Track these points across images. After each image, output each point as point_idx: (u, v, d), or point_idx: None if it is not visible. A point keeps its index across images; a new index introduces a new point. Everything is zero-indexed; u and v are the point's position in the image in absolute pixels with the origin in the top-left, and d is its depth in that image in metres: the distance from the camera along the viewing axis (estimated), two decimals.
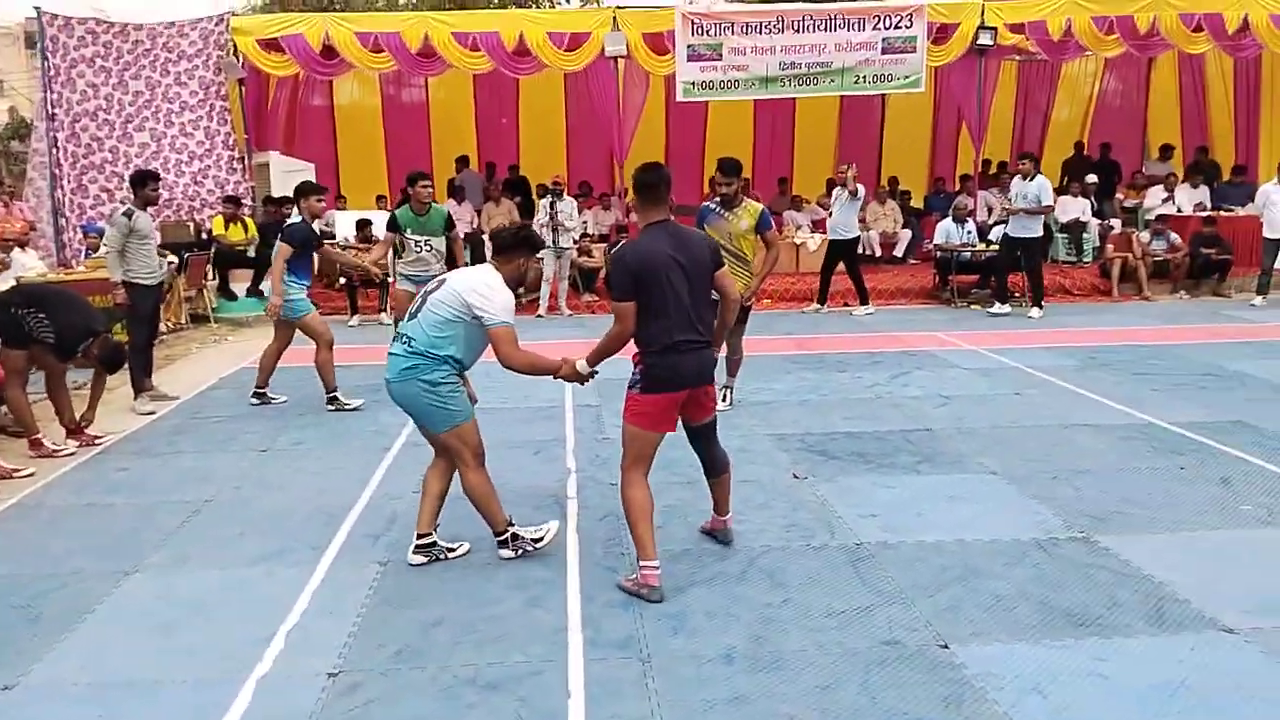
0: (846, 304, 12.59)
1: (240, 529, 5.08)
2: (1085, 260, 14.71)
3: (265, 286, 7.89)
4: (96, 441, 6.81)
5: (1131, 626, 3.82)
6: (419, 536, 4.60)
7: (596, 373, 4.46)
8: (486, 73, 14.21)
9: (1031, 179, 11.83)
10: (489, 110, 17.24)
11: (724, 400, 7.06)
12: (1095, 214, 15.06)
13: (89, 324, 6.57)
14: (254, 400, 7.81)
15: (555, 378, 4.48)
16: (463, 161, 16.20)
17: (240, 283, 12.89)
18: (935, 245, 13.33)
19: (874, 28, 13.65)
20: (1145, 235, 13.80)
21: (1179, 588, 4.15)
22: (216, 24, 13.59)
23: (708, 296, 4.31)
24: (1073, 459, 6.05)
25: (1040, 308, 12.05)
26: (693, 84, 13.72)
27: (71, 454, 6.54)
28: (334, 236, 13.41)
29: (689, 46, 13.53)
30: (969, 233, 13.11)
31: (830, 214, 12.33)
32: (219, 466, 6.19)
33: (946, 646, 3.68)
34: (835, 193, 12.42)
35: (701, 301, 4.25)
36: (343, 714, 3.29)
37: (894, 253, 15.61)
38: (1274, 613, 3.90)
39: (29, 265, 10.34)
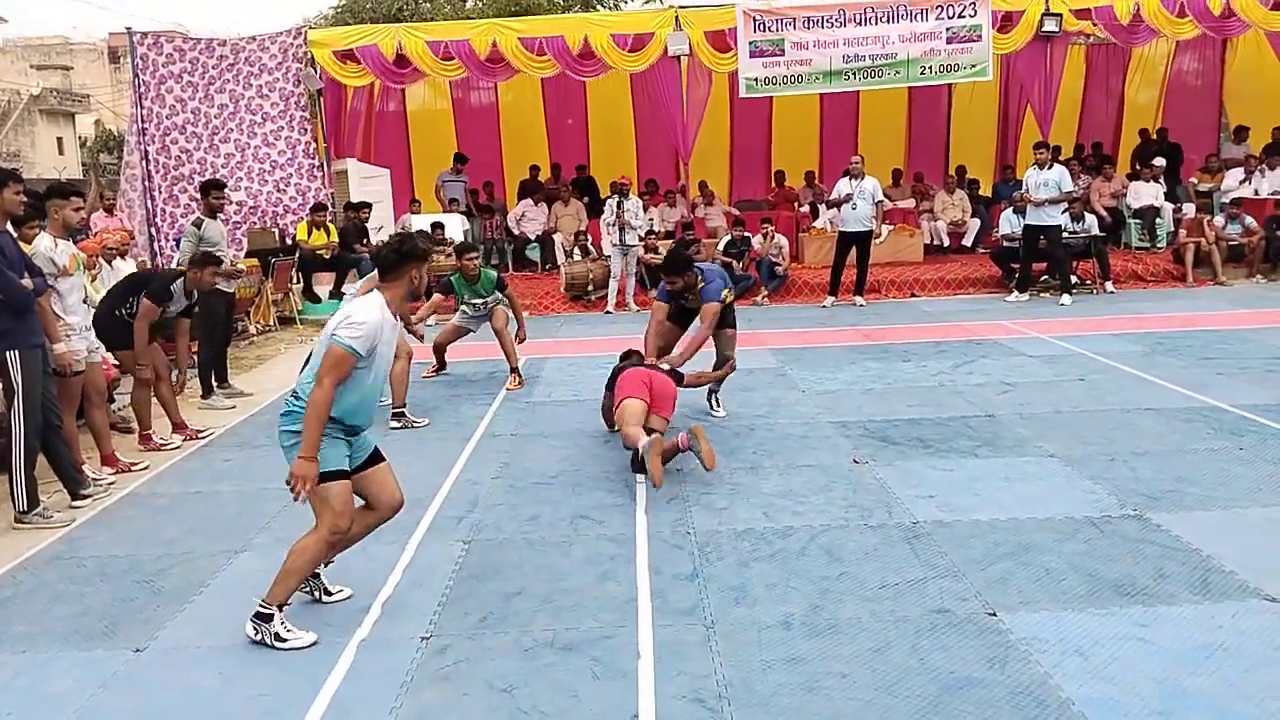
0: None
1: None
2: (1159, 246, 14.55)
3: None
4: (200, 435, 7.31)
5: (1176, 595, 3.99)
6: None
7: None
8: (553, 76, 14.60)
9: (1050, 167, 11.89)
10: (557, 111, 17.65)
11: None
12: (1168, 198, 14.88)
13: (169, 276, 7.18)
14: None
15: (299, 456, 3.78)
16: (459, 159, 16.32)
17: (323, 285, 13.45)
18: (1003, 236, 13.34)
19: (937, 18, 13.70)
20: (1220, 219, 13.61)
21: (1226, 560, 4.29)
22: (294, 37, 14.18)
23: None
24: (1132, 441, 6.16)
25: (1070, 294, 12.07)
26: (755, 80, 13.93)
27: (177, 448, 7.04)
28: None
29: (751, 43, 13.75)
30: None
31: (854, 206, 12.17)
32: None
33: (995, 614, 3.89)
34: (852, 185, 12.25)
35: None
36: (434, 672, 3.63)
37: (963, 242, 15.64)
38: None
39: (125, 272, 10.97)
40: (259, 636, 3.90)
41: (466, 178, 16.12)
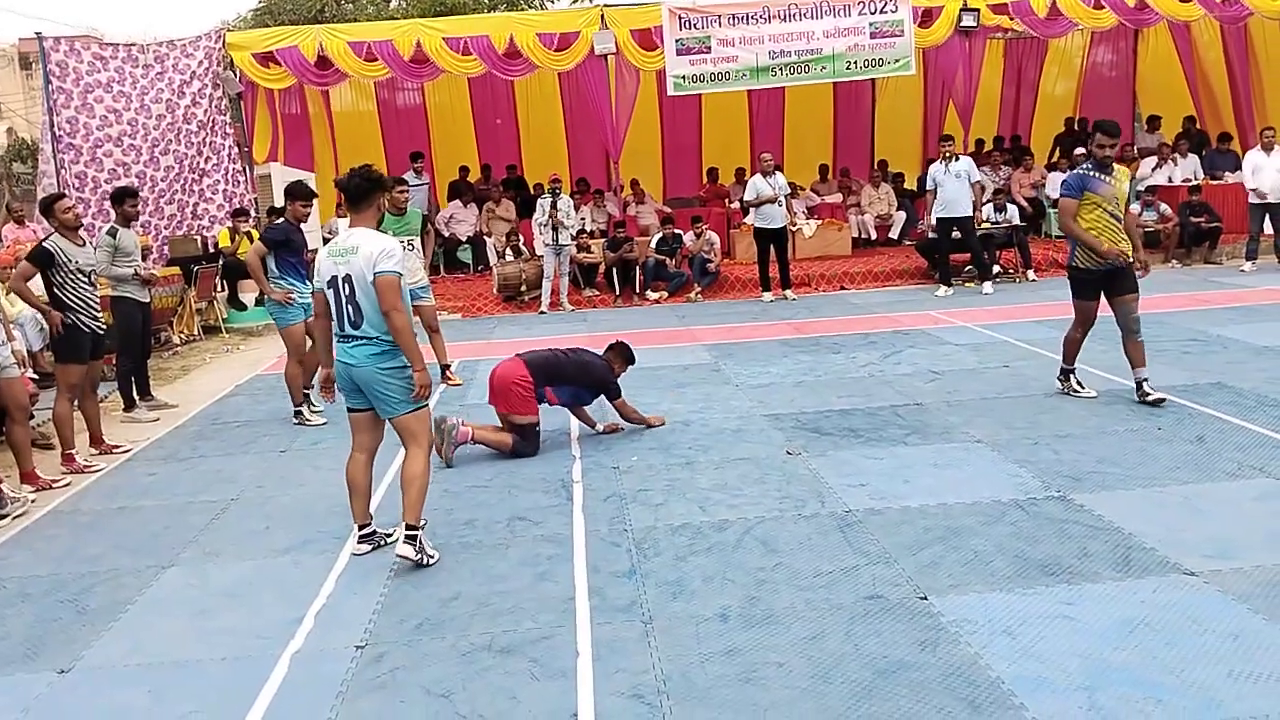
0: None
1: (266, 523, 5.39)
2: None
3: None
4: (116, 450, 7.10)
5: (1099, 574, 4.10)
6: (361, 527, 4.82)
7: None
8: (481, 75, 14.50)
9: (956, 159, 12.12)
10: (486, 112, 17.51)
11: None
12: None
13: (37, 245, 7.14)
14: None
15: (416, 369, 4.55)
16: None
17: (249, 293, 13.18)
18: (929, 228, 13.56)
19: (859, 13, 13.88)
20: (1136, 207, 13.99)
21: (1146, 537, 4.43)
22: (214, 40, 13.87)
23: None
24: (1055, 425, 6.33)
25: (992, 281, 12.39)
26: (683, 77, 13.98)
27: (100, 470, 6.77)
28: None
29: (677, 41, 13.78)
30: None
31: (780, 202, 12.32)
32: (241, 468, 6.51)
33: (925, 598, 3.96)
34: (766, 181, 12.33)
35: None
36: (371, 681, 3.59)
37: (889, 235, 15.88)
38: (1233, 556, 4.18)
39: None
40: (419, 556, 4.51)
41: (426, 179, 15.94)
